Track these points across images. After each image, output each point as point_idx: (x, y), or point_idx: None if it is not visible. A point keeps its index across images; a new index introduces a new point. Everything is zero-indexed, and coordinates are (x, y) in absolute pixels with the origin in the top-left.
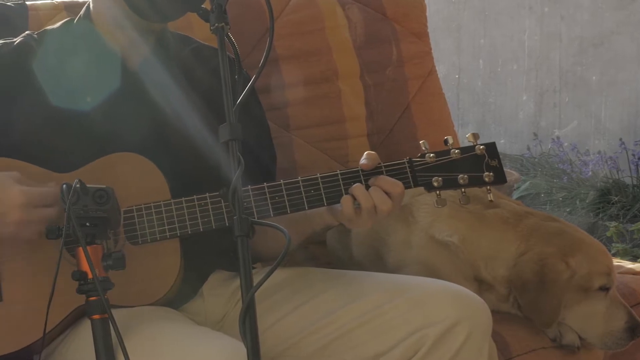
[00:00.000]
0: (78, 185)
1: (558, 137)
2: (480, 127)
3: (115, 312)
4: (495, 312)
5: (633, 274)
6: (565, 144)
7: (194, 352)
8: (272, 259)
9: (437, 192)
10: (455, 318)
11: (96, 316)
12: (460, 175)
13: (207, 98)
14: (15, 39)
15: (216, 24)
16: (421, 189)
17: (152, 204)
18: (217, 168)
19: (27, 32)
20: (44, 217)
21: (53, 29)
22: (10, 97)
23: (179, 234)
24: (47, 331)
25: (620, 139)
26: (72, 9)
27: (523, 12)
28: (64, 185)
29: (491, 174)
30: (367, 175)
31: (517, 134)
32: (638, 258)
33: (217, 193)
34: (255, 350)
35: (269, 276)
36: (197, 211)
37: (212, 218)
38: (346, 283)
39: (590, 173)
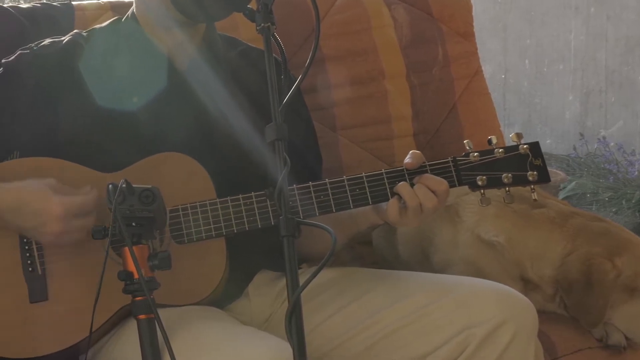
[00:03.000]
0: (124, 185)
1: (604, 137)
2: (526, 127)
3: (161, 312)
4: (541, 312)
5: None
6: (612, 144)
7: (240, 352)
8: (318, 259)
9: (482, 190)
10: (501, 318)
11: (142, 316)
12: (504, 174)
13: (255, 100)
14: (63, 38)
15: (262, 24)
16: (466, 189)
17: (197, 203)
18: (262, 169)
19: (75, 31)
20: (83, 226)
21: (101, 27)
22: (57, 96)
23: (224, 233)
24: (93, 330)
25: None
26: (118, 9)
27: (569, 12)
28: (110, 186)
29: (535, 173)
30: (411, 174)
31: (563, 134)
32: None
33: (263, 192)
34: (302, 351)
35: (315, 276)
36: (243, 210)
37: (257, 217)
38: (392, 283)
39: (636, 173)
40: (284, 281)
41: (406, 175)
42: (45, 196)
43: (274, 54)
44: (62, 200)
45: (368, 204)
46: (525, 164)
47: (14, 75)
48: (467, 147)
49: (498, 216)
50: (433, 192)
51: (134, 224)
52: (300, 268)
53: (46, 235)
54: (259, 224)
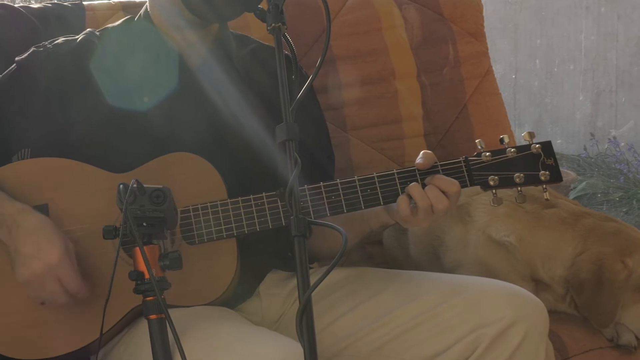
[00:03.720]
0: (135, 186)
1: (614, 137)
2: (536, 127)
3: (172, 312)
4: (552, 312)
5: None
6: (622, 144)
7: (251, 351)
8: (329, 259)
9: (494, 190)
10: (512, 318)
11: (153, 316)
12: (517, 174)
13: (266, 99)
14: (77, 37)
15: (273, 24)
16: (478, 188)
17: (208, 204)
18: (274, 168)
19: (89, 30)
20: (57, 293)
21: (114, 26)
22: (70, 95)
23: (235, 234)
24: (104, 331)
25: None
26: (129, 9)
27: (580, 12)
28: (121, 185)
29: (547, 172)
30: (423, 175)
31: (573, 134)
32: None
33: (274, 193)
34: (313, 350)
35: (326, 276)
36: (254, 211)
37: (268, 218)
38: (403, 283)
39: None
40: (294, 281)
41: (417, 175)
42: (53, 241)
43: (285, 51)
44: (64, 259)
45: (379, 204)
46: (537, 164)
47: (27, 73)
48: (479, 147)
49: (509, 216)
50: (444, 193)
51: (144, 224)
52: (311, 267)
53: (26, 268)
54: (270, 224)
